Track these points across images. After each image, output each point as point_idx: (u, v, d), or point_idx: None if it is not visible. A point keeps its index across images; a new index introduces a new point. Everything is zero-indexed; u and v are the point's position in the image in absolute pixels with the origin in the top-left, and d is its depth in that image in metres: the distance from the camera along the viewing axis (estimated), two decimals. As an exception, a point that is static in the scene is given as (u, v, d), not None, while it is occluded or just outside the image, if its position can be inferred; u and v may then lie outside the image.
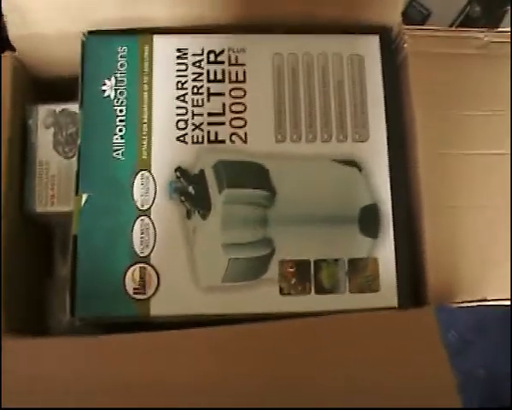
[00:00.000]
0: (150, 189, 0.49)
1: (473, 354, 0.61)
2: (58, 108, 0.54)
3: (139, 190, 0.49)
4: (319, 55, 0.52)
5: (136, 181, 0.49)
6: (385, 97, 0.52)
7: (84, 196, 0.48)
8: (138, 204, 0.48)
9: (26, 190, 0.53)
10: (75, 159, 0.50)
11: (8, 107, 0.51)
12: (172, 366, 0.44)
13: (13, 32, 0.52)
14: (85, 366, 0.44)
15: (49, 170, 0.53)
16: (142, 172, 0.49)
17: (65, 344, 0.46)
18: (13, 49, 0.53)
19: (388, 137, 0.51)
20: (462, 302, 0.49)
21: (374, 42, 0.53)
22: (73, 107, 0.53)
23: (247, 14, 0.53)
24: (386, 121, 0.51)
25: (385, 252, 0.49)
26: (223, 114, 0.51)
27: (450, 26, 0.63)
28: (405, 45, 0.52)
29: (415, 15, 0.64)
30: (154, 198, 0.49)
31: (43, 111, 0.54)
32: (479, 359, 0.62)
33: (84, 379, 0.44)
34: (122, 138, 0.49)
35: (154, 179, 0.49)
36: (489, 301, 0.49)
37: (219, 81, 0.51)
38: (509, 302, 0.50)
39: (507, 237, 0.50)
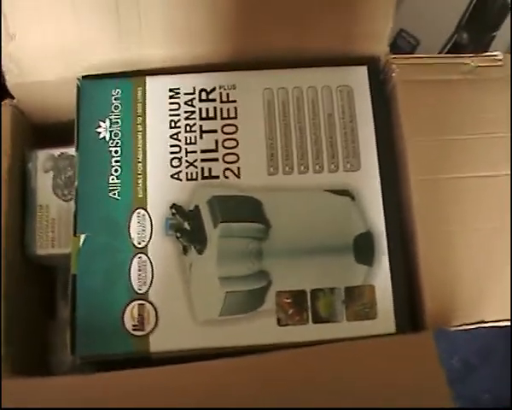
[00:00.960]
0: (147, 226, 0.49)
1: (477, 380, 0.60)
2: (57, 152, 0.56)
3: (136, 228, 0.49)
4: (308, 89, 0.53)
5: (132, 219, 0.50)
6: (375, 126, 0.53)
7: (82, 237, 0.49)
8: (135, 242, 0.49)
9: (26, 233, 0.54)
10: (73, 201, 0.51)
11: (7, 152, 0.53)
12: (173, 401, 0.45)
13: (11, 81, 0.54)
14: (85, 402, 0.44)
15: (49, 213, 0.54)
16: (139, 210, 0.50)
17: (66, 383, 0.46)
18: (11, 96, 0.55)
19: (380, 166, 0.52)
20: (460, 325, 0.49)
21: (362, 73, 0.54)
22: (71, 150, 0.54)
23: (237, 52, 0.54)
24: (378, 150, 0.52)
25: (381, 279, 0.49)
26: (216, 150, 0.52)
27: (439, 53, 0.64)
28: (393, 74, 0.53)
29: (404, 46, 0.65)
30: (151, 235, 0.49)
31: (42, 155, 0.56)
32: (483, 384, 0.61)
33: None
34: (118, 178, 0.51)
35: (150, 217, 0.50)
36: (487, 322, 0.49)
37: (211, 119, 0.52)
38: (507, 323, 0.50)
39: (502, 258, 0.50)
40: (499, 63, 0.54)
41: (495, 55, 0.54)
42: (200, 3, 0.52)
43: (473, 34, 0.63)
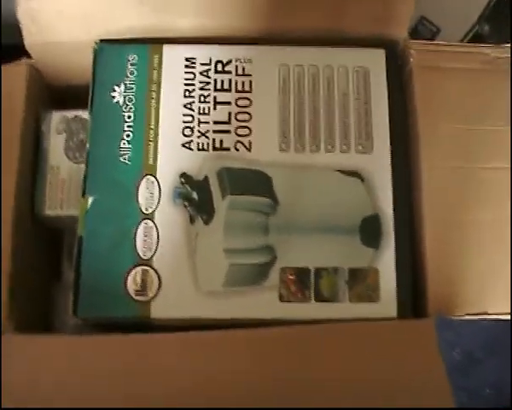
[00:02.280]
0: (155, 193, 0.50)
1: (480, 373, 0.60)
2: (70, 114, 0.56)
3: (144, 194, 0.50)
4: (325, 67, 0.53)
5: (141, 185, 0.50)
6: (389, 110, 0.52)
7: (90, 199, 0.50)
8: (143, 208, 0.49)
9: (36, 193, 0.54)
10: (84, 164, 0.51)
11: (22, 111, 0.53)
12: (172, 369, 0.45)
13: (28, 40, 0.54)
14: (89, 363, 0.45)
15: (59, 175, 0.55)
16: (148, 176, 0.50)
17: (69, 341, 0.47)
18: (29, 55, 0.55)
19: (392, 150, 0.51)
20: (463, 316, 0.49)
21: (380, 55, 0.53)
22: (85, 114, 0.54)
23: (262, 29, 0.54)
24: (391, 134, 0.52)
25: (386, 263, 0.49)
26: (228, 122, 0.51)
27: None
28: (411, 59, 0.52)
29: (424, 33, 0.65)
30: (159, 202, 0.49)
31: (57, 117, 0.56)
32: (486, 377, 0.61)
33: (87, 376, 0.45)
34: (129, 143, 0.51)
35: (158, 184, 0.50)
36: (490, 314, 0.49)
37: (226, 90, 0.52)
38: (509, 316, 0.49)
39: (509, 251, 0.50)
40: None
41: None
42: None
43: (495, 26, 0.62)
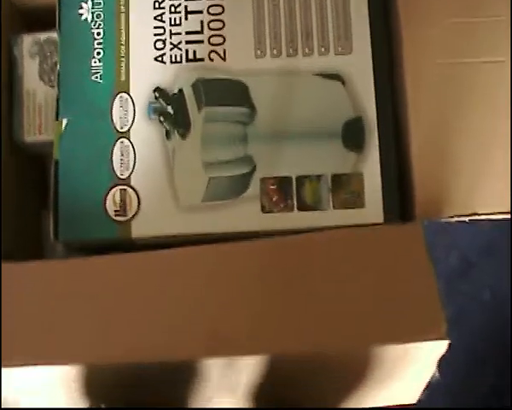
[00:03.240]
0: (129, 111, 0.48)
1: (477, 276, 0.59)
2: (43, 36, 0.54)
3: (118, 112, 0.48)
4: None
5: (115, 103, 0.48)
6: (369, 9, 0.50)
7: (64, 121, 0.48)
8: (117, 126, 0.48)
9: (14, 120, 0.53)
10: (59, 86, 0.50)
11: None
12: (157, 286, 0.45)
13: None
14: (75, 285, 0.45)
15: (35, 99, 0.53)
16: (121, 94, 0.48)
17: (56, 265, 0.46)
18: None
19: (373, 50, 0.49)
20: (452, 217, 0.47)
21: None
22: (57, 35, 0.53)
23: None
24: (371, 33, 0.49)
25: (370, 167, 0.48)
26: (201, 31, 0.49)
27: None
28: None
29: None
30: (134, 120, 0.48)
31: (28, 40, 0.54)
32: (483, 280, 0.60)
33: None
34: (100, 61, 0.49)
35: (132, 101, 0.48)
36: (480, 215, 0.47)
37: (197, -2, 0.50)
38: (502, 216, 0.48)
39: (500, 154, 0.48)
40: None
41: None
42: None
43: None
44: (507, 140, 0.47)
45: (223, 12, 0.50)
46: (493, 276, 0.59)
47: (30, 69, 0.54)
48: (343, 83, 0.48)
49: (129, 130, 0.48)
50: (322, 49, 0.49)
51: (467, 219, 0.48)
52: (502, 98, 0.48)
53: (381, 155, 0.48)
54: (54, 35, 0.54)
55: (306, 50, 0.49)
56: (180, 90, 0.48)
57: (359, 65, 0.49)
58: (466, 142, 0.48)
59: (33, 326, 0.43)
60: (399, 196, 0.48)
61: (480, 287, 0.59)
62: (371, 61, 0.49)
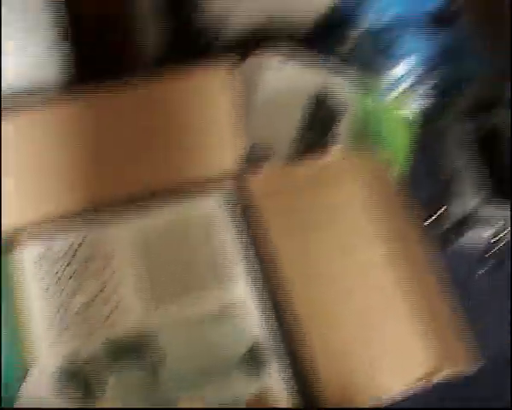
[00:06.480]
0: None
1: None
2: None
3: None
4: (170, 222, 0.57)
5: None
6: (243, 243, 0.57)
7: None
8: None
9: None
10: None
11: None
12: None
13: None
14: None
15: None
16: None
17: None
18: None
19: (252, 277, 0.56)
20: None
21: (216, 200, 0.58)
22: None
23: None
24: (246, 262, 0.56)
25: (273, 385, 0.53)
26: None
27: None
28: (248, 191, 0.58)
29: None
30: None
31: None
32: None
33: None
34: None
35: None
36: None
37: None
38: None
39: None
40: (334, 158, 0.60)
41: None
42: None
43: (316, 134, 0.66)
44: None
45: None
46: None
47: None
48: (233, 317, 0.54)
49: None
50: (207, 292, 0.55)
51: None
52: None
53: (280, 372, 0.53)
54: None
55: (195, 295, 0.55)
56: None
57: (245, 298, 0.55)
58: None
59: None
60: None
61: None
62: (253, 289, 0.55)
